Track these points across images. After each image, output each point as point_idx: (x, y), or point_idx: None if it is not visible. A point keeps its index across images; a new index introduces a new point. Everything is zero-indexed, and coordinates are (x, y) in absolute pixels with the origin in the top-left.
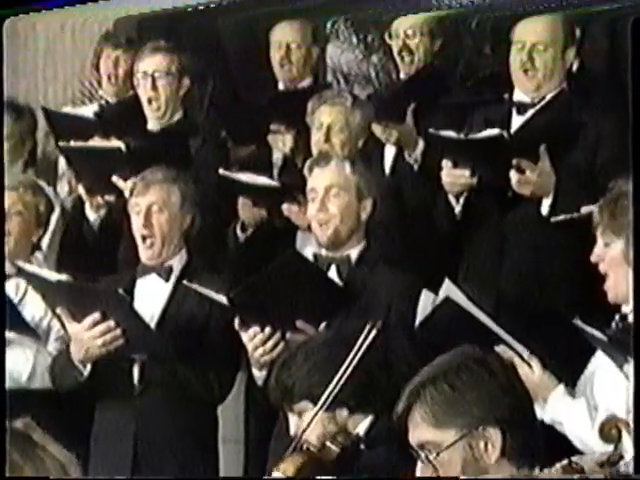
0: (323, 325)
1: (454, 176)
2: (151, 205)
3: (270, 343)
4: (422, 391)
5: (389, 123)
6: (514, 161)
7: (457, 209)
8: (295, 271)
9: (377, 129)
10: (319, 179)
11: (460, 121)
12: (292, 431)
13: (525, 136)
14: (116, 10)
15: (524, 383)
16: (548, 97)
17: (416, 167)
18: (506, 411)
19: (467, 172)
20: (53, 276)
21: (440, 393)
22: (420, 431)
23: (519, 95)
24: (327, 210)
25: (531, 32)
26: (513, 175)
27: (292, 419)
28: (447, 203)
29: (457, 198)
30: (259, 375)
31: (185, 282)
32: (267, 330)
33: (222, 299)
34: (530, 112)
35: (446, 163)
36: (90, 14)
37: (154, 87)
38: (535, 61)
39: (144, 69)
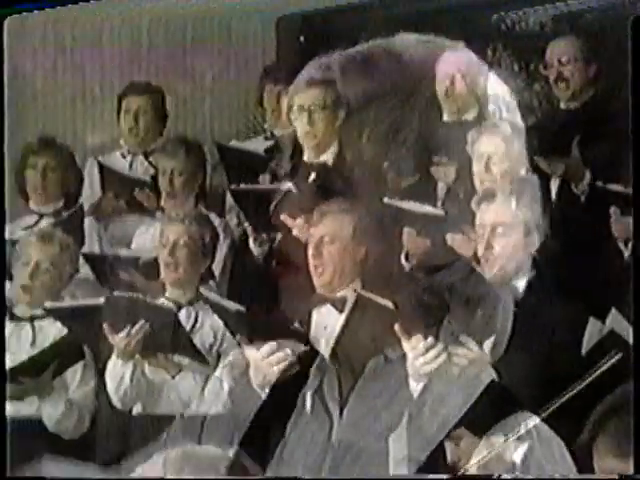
0: (488, 342)
1: (622, 224)
2: (323, 236)
3: (432, 353)
4: (605, 421)
5: (554, 156)
6: None
7: (626, 254)
8: (472, 287)
9: (542, 162)
10: (486, 216)
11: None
12: (449, 459)
13: None
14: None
15: None
16: None
17: (583, 198)
18: None
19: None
20: (232, 305)
21: (623, 423)
22: (605, 460)
23: None
24: (492, 248)
25: None
26: None
27: (449, 447)
28: (616, 247)
29: (625, 244)
30: (415, 387)
31: (360, 291)
32: (430, 339)
33: (388, 304)
34: None
35: (614, 211)
36: (252, 48)
37: (311, 121)
38: None
39: (300, 103)
